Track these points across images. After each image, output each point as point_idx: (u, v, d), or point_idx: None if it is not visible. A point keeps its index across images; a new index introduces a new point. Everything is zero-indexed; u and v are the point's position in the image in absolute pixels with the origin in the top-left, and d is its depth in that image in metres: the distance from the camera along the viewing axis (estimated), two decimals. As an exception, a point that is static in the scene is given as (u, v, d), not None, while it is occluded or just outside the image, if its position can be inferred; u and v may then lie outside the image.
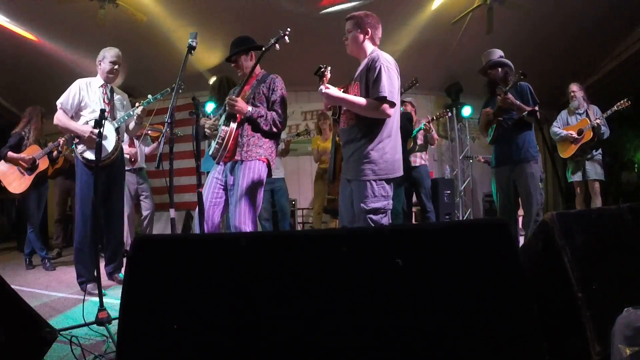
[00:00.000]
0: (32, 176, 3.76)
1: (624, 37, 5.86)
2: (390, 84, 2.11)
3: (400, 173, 2.26)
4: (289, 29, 2.29)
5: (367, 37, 2.27)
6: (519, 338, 1.04)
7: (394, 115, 2.19)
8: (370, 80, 2.14)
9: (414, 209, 5.15)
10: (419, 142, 4.33)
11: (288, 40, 2.31)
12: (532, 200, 2.85)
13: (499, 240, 1.14)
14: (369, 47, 2.30)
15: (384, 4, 4.95)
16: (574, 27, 5.46)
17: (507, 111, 2.93)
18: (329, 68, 2.27)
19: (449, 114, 4.16)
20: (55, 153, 3.99)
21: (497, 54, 3.11)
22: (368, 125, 2.18)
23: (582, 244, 1.29)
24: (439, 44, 5.89)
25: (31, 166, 3.74)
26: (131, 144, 4.28)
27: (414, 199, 4.65)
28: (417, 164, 4.36)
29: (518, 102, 2.82)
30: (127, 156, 4.50)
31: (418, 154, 4.37)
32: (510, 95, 2.83)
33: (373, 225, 2.15)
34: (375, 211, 2.17)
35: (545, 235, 1.30)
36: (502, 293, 1.08)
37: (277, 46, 2.36)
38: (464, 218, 6.64)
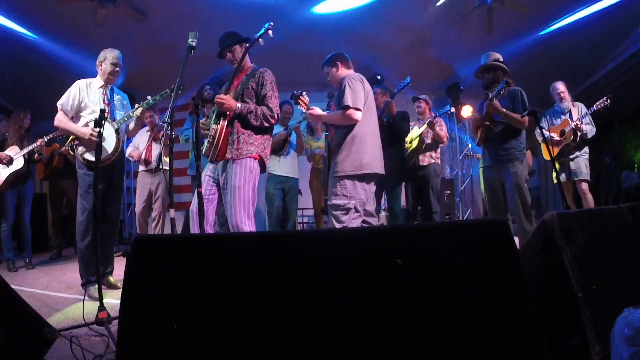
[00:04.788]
0: (7, 174, 3.81)
1: (623, 37, 5.85)
2: (353, 93, 2.52)
3: (370, 171, 2.53)
4: (271, 23, 2.33)
5: (338, 69, 2.77)
6: (519, 338, 1.04)
7: (362, 119, 2.56)
8: (340, 97, 2.58)
9: (418, 208, 5.05)
10: (428, 140, 4.22)
11: (272, 35, 2.36)
12: (516, 200, 2.93)
13: (498, 240, 1.14)
14: (343, 74, 2.71)
15: (385, 4, 4.95)
16: (574, 27, 5.46)
17: (495, 115, 3.06)
18: (304, 93, 2.90)
19: (436, 116, 4.07)
20: (36, 155, 4.05)
21: (491, 57, 3.19)
22: (341, 132, 2.62)
23: (582, 244, 1.29)
24: (439, 44, 5.89)
25: (7, 164, 3.81)
26: (150, 146, 4.27)
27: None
28: (426, 163, 4.26)
29: (503, 110, 2.95)
30: (131, 159, 4.48)
31: (427, 153, 4.26)
32: (495, 101, 2.96)
33: (335, 220, 2.50)
34: (335, 207, 2.50)
35: (545, 235, 1.30)
36: (502, 293, 1.08)
37: (261, 41, 2.40)
38: (464, 218, 6.64)
